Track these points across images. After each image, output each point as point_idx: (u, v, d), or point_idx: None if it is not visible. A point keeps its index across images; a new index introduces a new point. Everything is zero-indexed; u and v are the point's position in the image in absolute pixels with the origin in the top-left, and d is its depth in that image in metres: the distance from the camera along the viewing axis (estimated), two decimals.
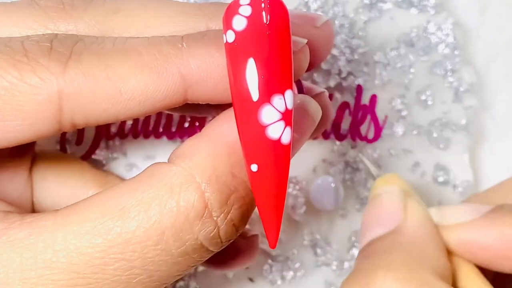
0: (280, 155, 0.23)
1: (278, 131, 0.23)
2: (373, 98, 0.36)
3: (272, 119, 0.23)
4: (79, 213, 0.23)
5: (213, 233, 0.24)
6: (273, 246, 0.24)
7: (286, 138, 0.23)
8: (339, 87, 0.37)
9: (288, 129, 0.23)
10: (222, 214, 0.24)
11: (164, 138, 0.36)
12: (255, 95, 0.22)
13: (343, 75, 0.36)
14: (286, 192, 0.24)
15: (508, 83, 0.39)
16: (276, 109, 0.22)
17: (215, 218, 0.23)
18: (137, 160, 0.36)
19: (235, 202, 0.24)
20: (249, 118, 0.22)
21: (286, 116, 0.23)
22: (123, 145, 0.36)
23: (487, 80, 0.39)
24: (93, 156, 0.36)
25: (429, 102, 0.37)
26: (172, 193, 0.23)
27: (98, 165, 0.36)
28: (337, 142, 0.37)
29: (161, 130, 0.36)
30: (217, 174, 0.23)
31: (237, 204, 0.24)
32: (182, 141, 0.36)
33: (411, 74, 0.37)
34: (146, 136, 0.36)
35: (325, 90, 0.29)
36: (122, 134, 0.36)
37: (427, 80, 0.37)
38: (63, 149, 0.36)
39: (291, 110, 0.23)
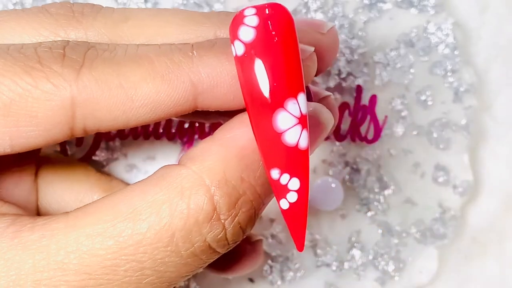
0: (299, 160, 0.23)
1: (295, 136, 0.23)
2: (373, 99, 0.36)
3: (288, 125, 0.23)
4: (91, 215, 0.24)
5: (221, 235, 0.24)
6: (300, 249, 0.25)
7: (303, 143, 0.23)
8: (339, 88, 0.37)
9: (304, 133, 0.23)
10: (230, 217, 0.24)
11: (164, 139, 0.36)
12: (269, 102, 0.23)
13: (343, 75, 0.36)
14: (308, 195, 0.24)
15: (508, 83, 0.39)
16: (291, 114, 0.23)
17: (223, 221, 0.24)
18: (137, 161, 0.36)
19: (243, 205, 0.24)
20: (265, 125, 0.23)
21: (302, 121, 0.23)
22: (123, 146, 0.36)
23: (487, 80, 0.39)
24: (93, 157, 0.36)
25: (429, 103, 0.37)
26: (182, 195, 0.23)
27: (99, 167, 0.36)
28: (337, 143, 0.37)
29: (161, 131, 0.36)
30: (226, 178, 0.24)
31: (245, 208, 0.24)
32: (182, 142, 0.36)
33: (411, 75, 0.37)
34: (146, 137, 0.36)
35: (331, 94, 0.29)
36: (122, 135, 0.36)
37: (427, 80, 0.37)
38: (63, 150, 0.36)
39: (306, 115, 0.23)
